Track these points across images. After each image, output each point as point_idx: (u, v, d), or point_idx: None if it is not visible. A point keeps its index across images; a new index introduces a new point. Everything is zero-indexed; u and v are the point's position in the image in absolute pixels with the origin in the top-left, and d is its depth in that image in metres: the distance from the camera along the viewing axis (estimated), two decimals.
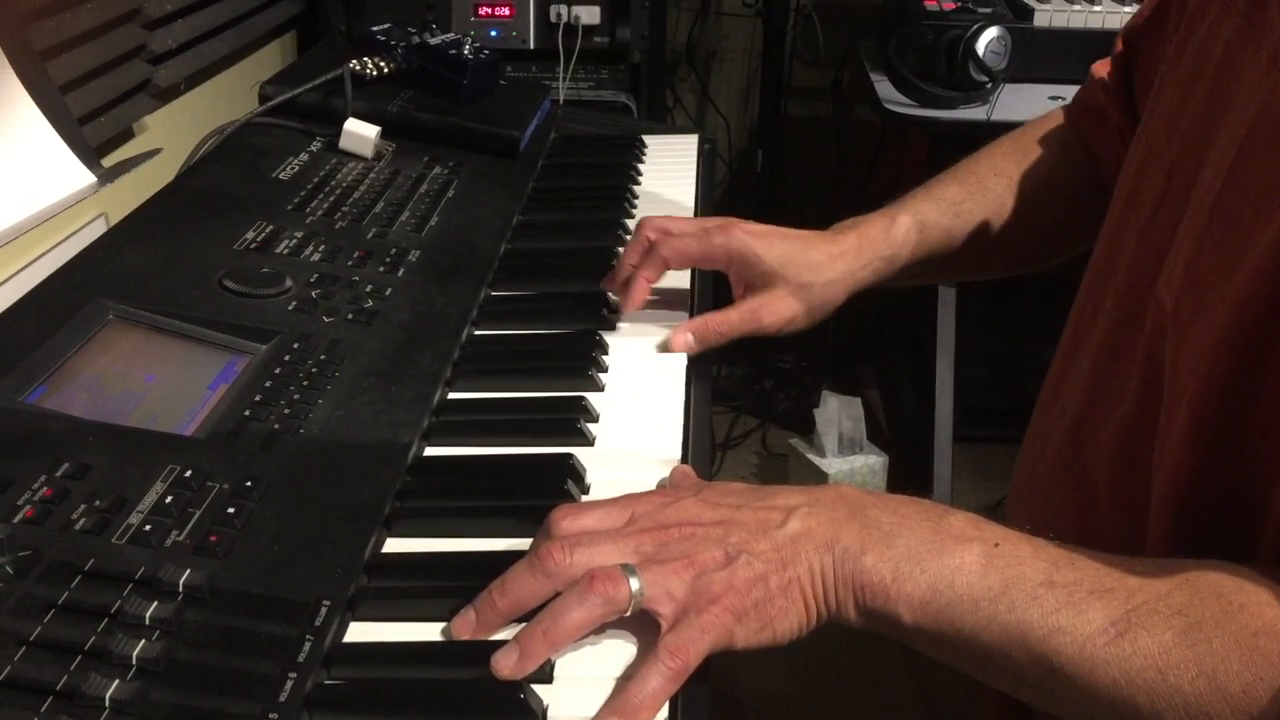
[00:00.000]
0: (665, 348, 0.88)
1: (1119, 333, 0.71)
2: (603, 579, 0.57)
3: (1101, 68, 0.95)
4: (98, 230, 1.08)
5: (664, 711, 0.56)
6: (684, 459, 0.76)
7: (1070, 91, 1.71)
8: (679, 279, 0.96)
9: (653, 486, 0.72)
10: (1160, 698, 0.53)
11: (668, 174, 1.22)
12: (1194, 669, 0.52)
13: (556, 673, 0.57)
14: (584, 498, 0.71)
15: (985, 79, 1.71)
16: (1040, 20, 1.78)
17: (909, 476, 2.15)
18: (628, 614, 0.58)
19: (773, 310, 0.89)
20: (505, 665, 0.56)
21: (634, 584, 0.57)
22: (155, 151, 1.10)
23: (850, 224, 0.94)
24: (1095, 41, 1.77)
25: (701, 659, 0.57)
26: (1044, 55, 1.78)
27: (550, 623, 0.57)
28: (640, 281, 0.89)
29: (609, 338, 0.89)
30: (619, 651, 0.59)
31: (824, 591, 0.59)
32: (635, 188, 1.18)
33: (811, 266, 0.89)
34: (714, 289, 0.98)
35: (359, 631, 0.60)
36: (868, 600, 0.58)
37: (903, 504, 0.61)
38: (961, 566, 0.57)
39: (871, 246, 0.92)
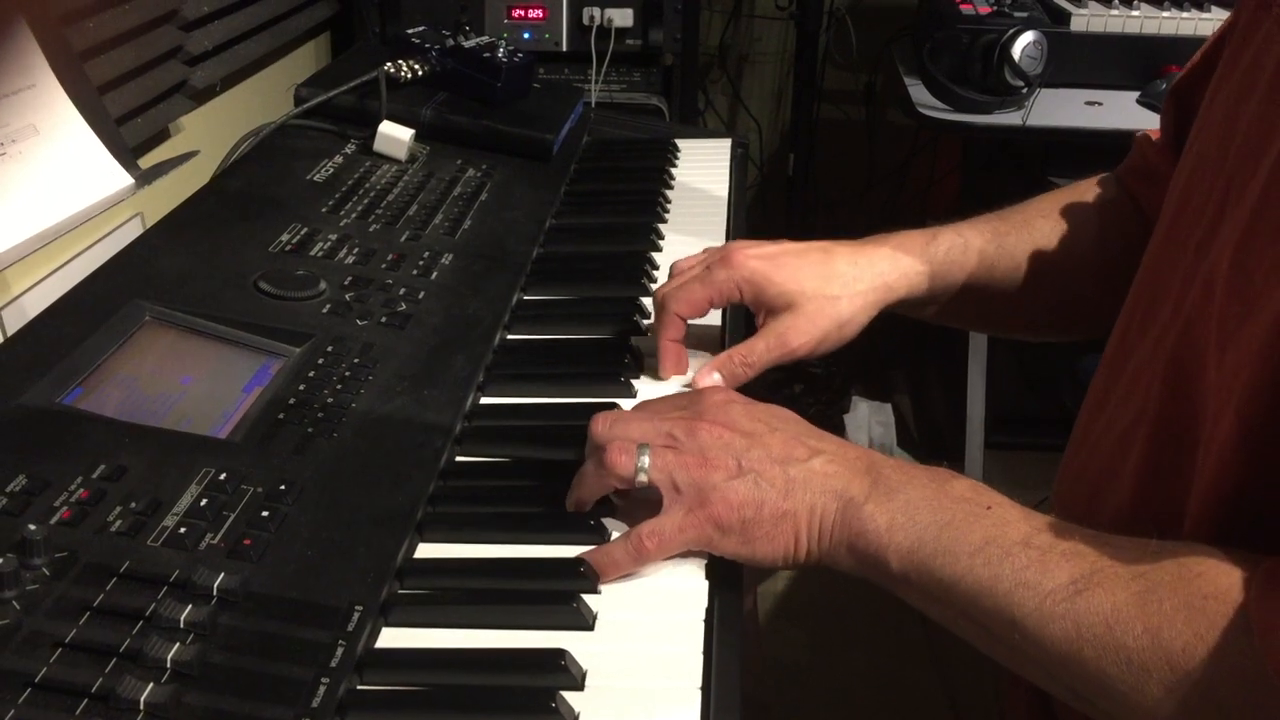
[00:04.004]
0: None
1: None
2: (615, 449, 0.66)
3: (1147, 135, 0.91)
4: (134, 231, 1.09)
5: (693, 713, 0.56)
6: None
7: (1106, 96, 1.74)
8: None
9: None
10: (1106, 652, 0.55)
11: (701, 178, 1.22)
12: (1140, 626, 0.55)
13: (589, 681, 0.57)
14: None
15: (1021, 84, 1.69)
16: (1077, 24, 1.76)
17: None
18: (636, 485, 0.65)
19: (800, 331, 0.82)
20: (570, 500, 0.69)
21: (642, 460, 0.65)
22: (193, 153, 1.10)
23: (885, 235, 0.89)
24: (1132, 46, 1.76)
25: (670, 554, 0.64)
26: (1080, 60, 1.76)
27: (575, 481, 0.68)
28: (667, 346, 0.84)
29: (642, 343, 0.88)
30: (651, 662, 0.59)
31: (819, 533, 0.64)
32: (668, 192, 1.18)
33: (835, 278, 0.83)
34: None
35: (391, 637, 0.60)
36: (861, 545, 0.63)
37: (914, 467, 0.66)
38: (950, 523, 0.62)
39: (908, 255, 0.87)
